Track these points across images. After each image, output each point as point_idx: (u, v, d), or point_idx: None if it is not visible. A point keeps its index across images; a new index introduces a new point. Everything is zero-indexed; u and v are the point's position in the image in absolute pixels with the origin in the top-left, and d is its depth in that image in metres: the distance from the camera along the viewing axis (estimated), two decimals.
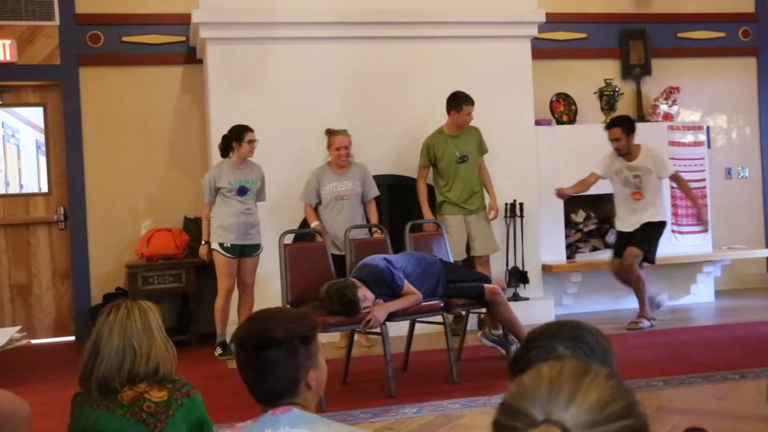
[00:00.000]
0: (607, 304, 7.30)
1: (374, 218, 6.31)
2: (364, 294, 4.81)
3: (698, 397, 4.56)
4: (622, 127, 6.45)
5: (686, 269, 7.61)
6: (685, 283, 7.65)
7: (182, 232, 6.88)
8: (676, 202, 7.54)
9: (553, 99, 7.61)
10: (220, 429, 3.13)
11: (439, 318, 5.17)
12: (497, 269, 6.81)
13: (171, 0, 7.12)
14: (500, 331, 5.47)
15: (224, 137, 6.07)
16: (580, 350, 1.50)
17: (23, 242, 7.16)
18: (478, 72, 6.92)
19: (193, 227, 6.76)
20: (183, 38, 7.13)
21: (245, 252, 6.05)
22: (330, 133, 6.23)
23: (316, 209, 6.30)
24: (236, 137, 6.00)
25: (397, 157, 6.83)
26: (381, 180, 6.66)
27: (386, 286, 4.93)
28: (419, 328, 5.50)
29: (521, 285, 6.96)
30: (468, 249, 6.58)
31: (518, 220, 6.97)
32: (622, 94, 7.69)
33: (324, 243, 5.69)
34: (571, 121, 7.61)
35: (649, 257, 6.51)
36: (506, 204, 6.92)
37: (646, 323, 6.47)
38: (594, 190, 6.74)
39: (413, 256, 5.30)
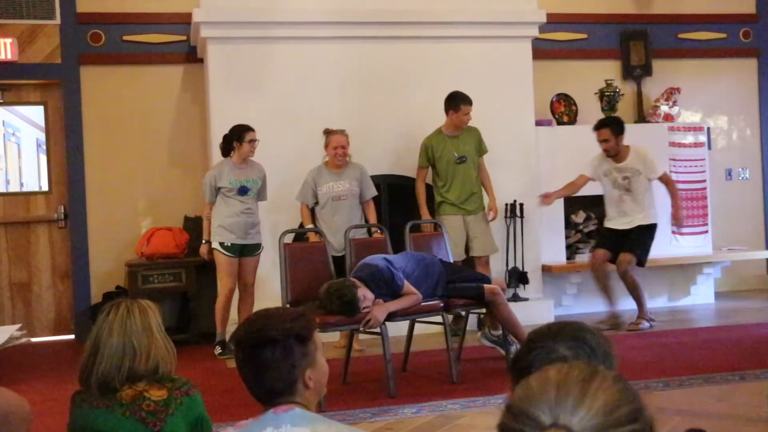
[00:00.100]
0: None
1: (372, 219, 6.28)
2: (364, 294, 4.80)
3: (698, 399, 4.55)
4: (610, 128, 6.43)
5: (686, 270, 7.61)
6: (685, 284, 7.65)
7: (182, 231, 6.88)
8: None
9: (554, 99, 7.61)
10: (220, 428, 3.13)
11: (438, 318, 5.16)
12: (497, 270, 6.81)
13: None
14: (500, 332, 5.46)
15: (225, 137, 6.06)
16: (582, 351, 1.50)
17: (23, 241, 7.15)
18: (478, 72, 6.91)
19: (194, 226, 6.76)
20: (184, 37, 7.13)
21: (246, 251, 6.05)
22: (327, 132, 6.20)
23: (312, 210, 6.25)
24: (237, 137, 6.00)
25: (397, 157, 6.83)
26: (381, 180, 6.66)
27: (386, 286, 4.92)
28: (419, 328, 5.50)
29: (521, 285, 6.96)
30: (467, 249, 6.58)
31: (518, 220, 6.96)
32: (623, 94, 7.68)
33: (323, 243, 5.68)
34: (572, 121, 7.61)
35: (641, 261, 6.51)
36: (506, 204, 6.92)
37: (645, 324, 6.47)
38: (594, 190, 6.74)
39: (413, 256, 5.29)
